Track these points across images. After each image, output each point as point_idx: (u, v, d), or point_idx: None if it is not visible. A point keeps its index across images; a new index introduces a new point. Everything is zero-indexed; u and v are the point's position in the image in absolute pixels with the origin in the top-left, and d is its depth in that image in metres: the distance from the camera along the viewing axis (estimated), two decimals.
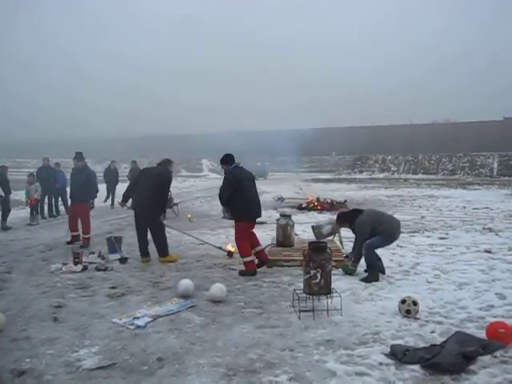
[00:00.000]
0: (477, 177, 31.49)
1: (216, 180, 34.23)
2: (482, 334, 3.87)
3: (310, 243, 4.69)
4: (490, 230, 9.07)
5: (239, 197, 6.05)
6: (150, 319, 4.44)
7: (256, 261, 6.29)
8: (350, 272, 6.00)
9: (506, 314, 4.45)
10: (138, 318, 4.47)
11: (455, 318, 4.39)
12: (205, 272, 6.33)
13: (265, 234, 9.38)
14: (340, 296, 4.56)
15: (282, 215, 7.49)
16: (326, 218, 9.79)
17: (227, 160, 6.29)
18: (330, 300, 4.61)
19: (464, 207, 13.44)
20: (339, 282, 5.52)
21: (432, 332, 4.05)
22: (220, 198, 6.27)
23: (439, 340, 3.85)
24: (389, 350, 3.65)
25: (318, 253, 4.52)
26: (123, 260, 6.78)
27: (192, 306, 4.84)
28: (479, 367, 3.36)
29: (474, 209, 12.94)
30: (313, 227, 8.02)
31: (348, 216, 6.23)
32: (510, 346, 3.66)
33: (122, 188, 15.31)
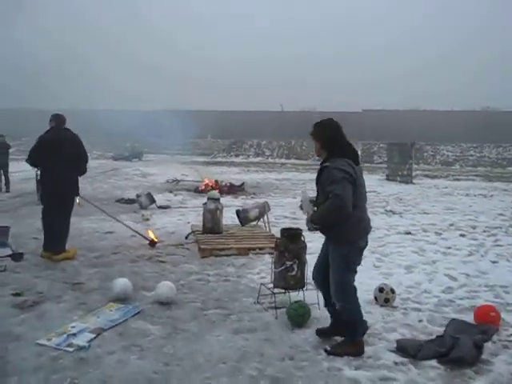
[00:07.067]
0: None
1: None
2: (466, 318, 3.79)
3: (284, 230, 4.09)
4: (393, 212, 9.56)
5: None
6: (91, 335, 3.37)
7: None
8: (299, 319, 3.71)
9: (468, 295, 4.49)
10: (74, 334, 3.36)
11: (428, 303, 4.26)
12: (130, 266, 5.28)
13: (176, 220, 8.48)
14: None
15: (211, 198, 6.68)
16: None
17: None
18: (303, 293, 4.11)
19: None
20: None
21: (420, 321, 3.83)
22: None
23: (431, 328, 3.68)
24: (394, 345, 3.31)
25: (293, 241, 3.96)
26: (17, 256, 5.27)
27: (138, 313, 3.88)
28: (489, 355, 3.21)
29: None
30: (238, 211, 7.43)
31: (336, 142, 3.25)
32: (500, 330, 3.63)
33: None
